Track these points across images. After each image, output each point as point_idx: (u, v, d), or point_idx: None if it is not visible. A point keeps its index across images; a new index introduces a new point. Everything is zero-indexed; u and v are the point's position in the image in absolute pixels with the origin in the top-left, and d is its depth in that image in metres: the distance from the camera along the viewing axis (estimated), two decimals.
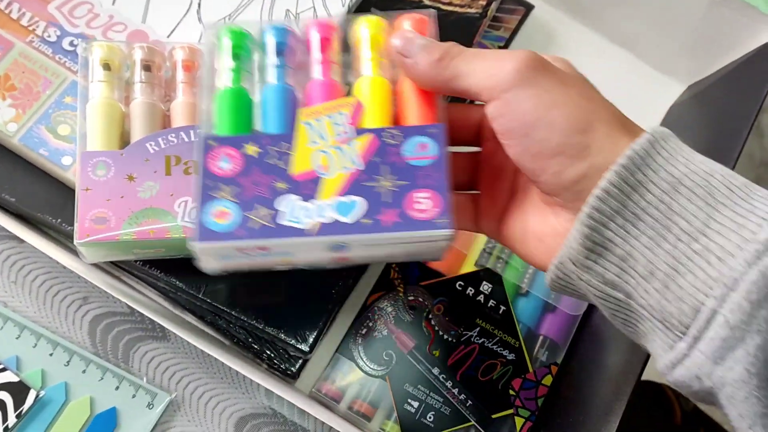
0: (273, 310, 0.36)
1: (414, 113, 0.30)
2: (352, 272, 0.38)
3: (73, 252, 0.35)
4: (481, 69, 0.27)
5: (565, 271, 0.26)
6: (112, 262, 0.37)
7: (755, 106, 0.38)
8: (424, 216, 0.28)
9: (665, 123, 0.46)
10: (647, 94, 0.47)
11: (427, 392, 0.38)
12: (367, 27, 0.32)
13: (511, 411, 0.38)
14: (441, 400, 0.38)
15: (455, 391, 0.38)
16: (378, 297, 0.39)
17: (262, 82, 0.32)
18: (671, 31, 0.45)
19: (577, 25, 0.48)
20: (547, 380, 0.39)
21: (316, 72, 0.32)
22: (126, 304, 0.36)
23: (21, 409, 0.33)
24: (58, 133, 0.36)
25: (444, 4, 0.44)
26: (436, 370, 0.38)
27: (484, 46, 0.46)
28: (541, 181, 0.26)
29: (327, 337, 0.39)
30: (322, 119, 0.30)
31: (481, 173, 0.32)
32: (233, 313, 0.35)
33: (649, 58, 0.47)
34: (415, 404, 0.38)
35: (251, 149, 0.29)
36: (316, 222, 0.28)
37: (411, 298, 0.39)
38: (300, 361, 0.38)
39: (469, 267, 0.41)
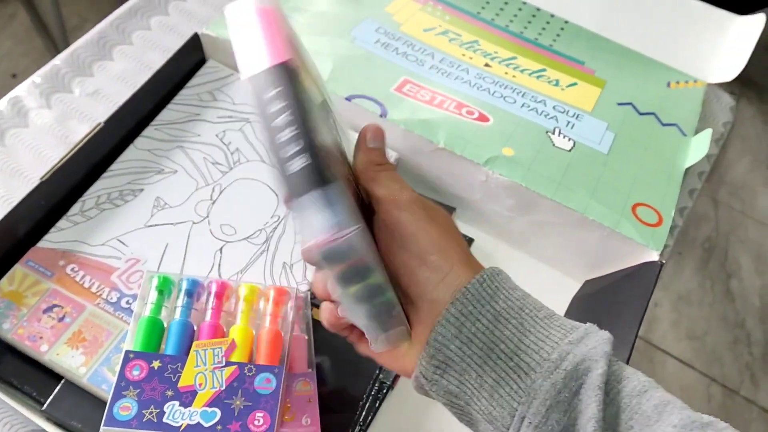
0: None
1: (265, 355, 0.45)
2: None
3: None
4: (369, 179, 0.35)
5: (421, 383, 0.34)
6: None
7: (643, 304, 0.50)
8: (257, 430, 0.41)
9: (571, 309, 0.58)
10: (560, 287, 0.61)
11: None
12: (245, 289, 0.48)
13: None
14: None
15: None
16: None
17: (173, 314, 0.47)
18: (577, 251, 0.58)
19: (511, 251, 0.62)
20: None
21: (208, 316, 0.47)
22: None
23: None
24: (115, 372, 0.48)
25: None
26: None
27: None
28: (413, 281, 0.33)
29: None
30: (207, 350, 0.44)
31: None
32: None
33: (562, 267, 0.61)
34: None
35: (156, 364, 0.43)
36: (185, 423, 0.41)
37: None
38: None
39: None
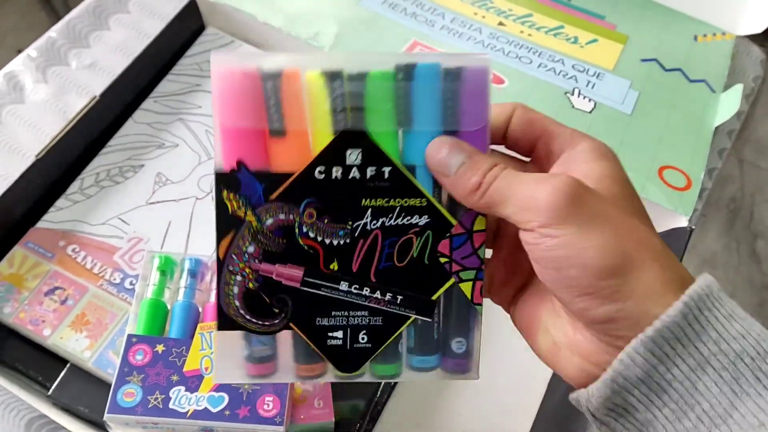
0: None
1: None
2: None
3: None
4: (516, 199, 0.26)
5: (584, 413, 0.26)
6: None
7: None
8: (267, 414, 0.39)
9: None
10: None
11: (346, 314, 0.30)
12: None
13: (452, 281, 0.30)
14: (366, 313, 0.30)
15: (376, 294, 0.30)
16: (229, 242, 0.29)
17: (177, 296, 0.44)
18: None
19: None
20: (480, 223, 0.30)
21: (213, 297, 0.44)
22: None
23: None
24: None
25: None
26: (343, 286, 0.30)
27: None
28: (568, 309, 0.26)
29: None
30: (212, 332, 0.41)
31: (500, 238, 0.31)
32: None
33: None
34: (339, 333, 0.30)
35: (160, 348, 0.41)
36: (191, 408, 0.39)
37: (270, 222, 0.29)
38: None
39: (320, 144, 0.29)
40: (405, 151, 0.29)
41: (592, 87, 0.60)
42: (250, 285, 0.29)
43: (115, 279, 0.49)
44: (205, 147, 0.55)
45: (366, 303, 0.30)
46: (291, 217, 0.29)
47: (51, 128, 0.59)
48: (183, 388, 0.40)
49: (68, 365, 0.47)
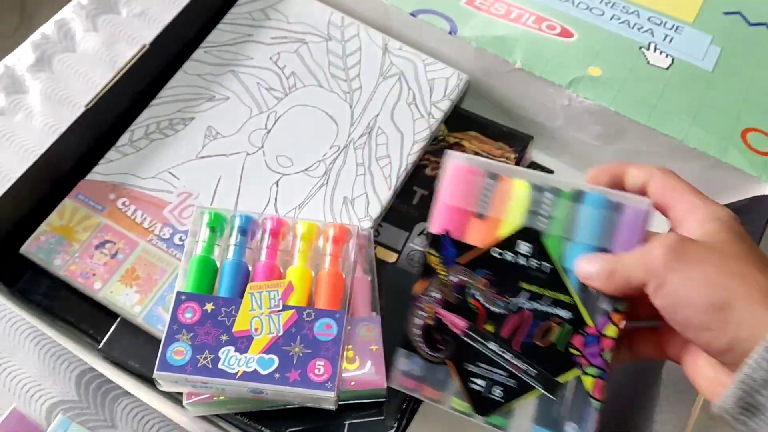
0: None
1: (325, 299, 0.41)
2: None
3: (182, 406, 0.44)
4: (636, 266, 0.32)
5: (723, 416, 0.30)
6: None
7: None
8: (318, 379, 0.38)
9: None
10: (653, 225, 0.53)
11: (490, 368, 0.37)
12: (302, 227, 0.44)
13: (577, 372, 0.36)
14: (504, 373, 0.37)
15: (516, 362, 0.37)
16: (424, 286, 0.38)
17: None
18: None
19: None
20: (611, 330, 0.36)
21: (263, 255, 0.43)
22: None
23: None
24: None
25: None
26: (492, 345, 0.37)
27: None
28: (698, 347, 0.31)
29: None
30: (262, 293, 0.41)
31: None
32: None
33: None
34: (481, 382, 0.37)
35: (209, 306, 0.40)
36: (241, 370, 0.38)
37: (454, 279, 0.38)
38: None
39: (504, 232, 0.37)
40: (564, 256, 0.36)
41: (670, 41, 0.55)
42: (429, 321, 0.37)
43: (164, 234, 0.48)
44: (256, 101, 0.53)
45: (506, 365, 0.37)
46: (468, 280, 0.37)
47: (101, 77, 0.58)
48: (232, 348, 0.39)
49: (118, 319, 0.47)
